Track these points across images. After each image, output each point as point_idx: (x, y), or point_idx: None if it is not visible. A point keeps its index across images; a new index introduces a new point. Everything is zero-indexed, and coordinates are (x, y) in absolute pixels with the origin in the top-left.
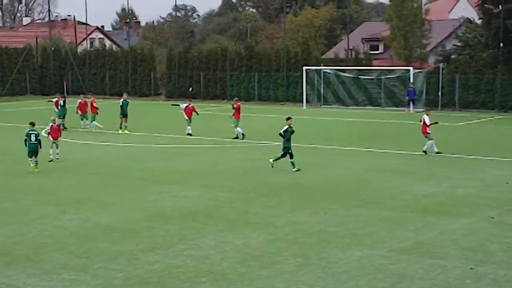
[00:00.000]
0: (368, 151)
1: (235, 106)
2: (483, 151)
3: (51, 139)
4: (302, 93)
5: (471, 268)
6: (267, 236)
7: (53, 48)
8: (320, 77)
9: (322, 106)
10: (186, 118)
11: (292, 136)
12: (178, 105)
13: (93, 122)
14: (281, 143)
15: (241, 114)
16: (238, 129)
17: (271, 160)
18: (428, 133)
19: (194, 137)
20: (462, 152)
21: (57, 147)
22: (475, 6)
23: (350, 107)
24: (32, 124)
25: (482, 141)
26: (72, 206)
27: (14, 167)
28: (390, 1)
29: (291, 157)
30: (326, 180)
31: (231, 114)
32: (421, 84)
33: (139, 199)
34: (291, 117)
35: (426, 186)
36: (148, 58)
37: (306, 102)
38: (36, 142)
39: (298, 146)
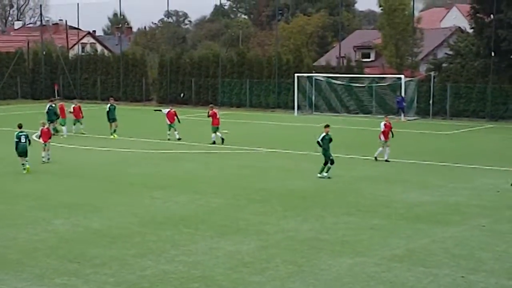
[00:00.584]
0: (360, 158)
1: (210, 113)
2: (474, 160)
3: (42, 142)
4: (293, 100)
5: (462, 276)
6: (258, 243)
7: (44, 53)
8: (312, 85)
9: (313, 113)
10: (168, 123)
11: (288, 143)
12: (160, 110)
13: (63, 127)
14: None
15: (232, 120)
16: (218, 134)
17: (318, 175)
18: (385, 140)
19: (186, 142)
20: (453, 160)
21: (48, 150)
22: (467, 15)
23: (341, 114)
24: (20, 126)
25: (473, 150)
26: (63, 210)
27: (5, 171)
28: (381, 10)
29: (332, 163)
30: (317, 188)
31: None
32: (412, 92)
33: (131, 204)
34: (329, 125)
35: (418, 194)
36: (139, 63)
37: (298, 109)
38: (25, 142)
39: (289, 153)
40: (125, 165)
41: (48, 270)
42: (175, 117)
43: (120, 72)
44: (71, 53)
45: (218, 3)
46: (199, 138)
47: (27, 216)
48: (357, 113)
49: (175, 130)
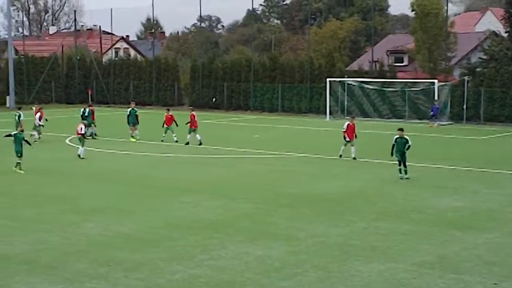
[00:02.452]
0: (391, 163)
1: (190, 115)
2: (508, 166)
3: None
4: (325, 105)
5: (495, 284)
6: (288, 248)
7: (78, 58)
8: (344, 89)
9: (345, 118)
10: (165, 126)
11: (319, 147)
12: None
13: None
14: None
15: (263, 124)
16: (197, 136)
17: (406, 176)
18: (348, 140)
19: (215, 147)
20: (486, 166)
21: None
22: (501, 19)
23: (373, 119)
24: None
25: (507, 155)
26: (94, 214)
27: (36, 175)
28: (414, 14)
29: (400, 164)
30: (347, 192)
31: (186, 122)
32: (445, 97)
33: (161, 208)
34: (402, 128)
35: (450, 200)
36: (172, 68)
37: (330, 113)
38: (20, 144)
39: (319, 158)
40: (155, 169)
41: (78, 273)
42: (173, 121)
43: (153, 77)
44: (105, 58)
45: (250, 8)
46: (230, 143)
47: (58, 220)
48: (389, 118)
49: (170, 133)
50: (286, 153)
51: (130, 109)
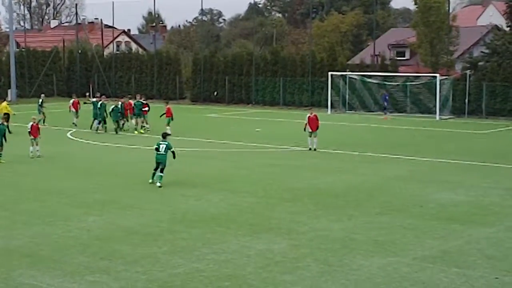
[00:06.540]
0: (393, 157)
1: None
2: (509, 160)
3: (32, 137)
4: (327, 99)
5: (496, 278)
6: (290, 242)
7: (79, 51)
8: (346, 83)
9: (346, 111)
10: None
11: (320, 141)
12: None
13: None
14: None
15: (265, 118)
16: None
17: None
18: (309, 131)
19: (219, 141)
20: (488, 160)
21: (37, 144)
22: (504, 14)
23: (375, 113)
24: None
25: (509, 150)
26: (95, 208)
27: (38, 169)
28: (416, 7)
29: (157, 169)
30: (349, 187)
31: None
32: (447, 91)
33: (163, 202)
34: (166, 132)
35: (452, 194)
36: (173, 61)
37: (331, 107)
38: (1, 135)
39: (323, 152)
40: None
41: (79, 267)
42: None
43: (154, 71)
44: (106, 51)
45: (252, 1)
46: (231, 136)
47: (60, 213)
48: (391, 112)
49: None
50: (288, 147)
51: (135, 101)
